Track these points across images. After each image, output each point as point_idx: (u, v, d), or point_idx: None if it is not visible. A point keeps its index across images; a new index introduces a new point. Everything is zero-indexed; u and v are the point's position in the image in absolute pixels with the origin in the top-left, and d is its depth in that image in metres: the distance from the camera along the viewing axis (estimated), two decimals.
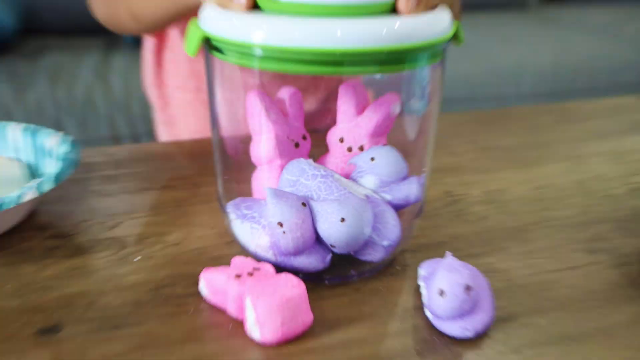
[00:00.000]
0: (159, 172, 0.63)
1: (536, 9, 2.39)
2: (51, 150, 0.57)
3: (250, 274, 0.41)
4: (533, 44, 1.88)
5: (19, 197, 0.47)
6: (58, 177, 0.50)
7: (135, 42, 1.69)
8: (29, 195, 0.47)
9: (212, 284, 0.41)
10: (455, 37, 0.43)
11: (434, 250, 0.49)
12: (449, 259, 0.40)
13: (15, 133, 0.60)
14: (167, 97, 0.89)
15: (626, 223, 0.54)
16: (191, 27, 0.42)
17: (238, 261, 0.43)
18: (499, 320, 0.41)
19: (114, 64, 1.67)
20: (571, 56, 1.81)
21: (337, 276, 0.45)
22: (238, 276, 0.40)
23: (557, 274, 0.46)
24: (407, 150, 0.47)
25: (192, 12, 0.62)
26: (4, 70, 1.60)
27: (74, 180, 0.61)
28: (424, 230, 0.52)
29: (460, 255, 0.45)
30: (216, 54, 0.42)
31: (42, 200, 0.57)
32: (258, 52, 0.39)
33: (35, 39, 1.91)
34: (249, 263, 0.42)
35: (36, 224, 0.53)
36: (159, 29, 0.78)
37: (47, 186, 0.49)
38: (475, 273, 0.41)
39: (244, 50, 0.39)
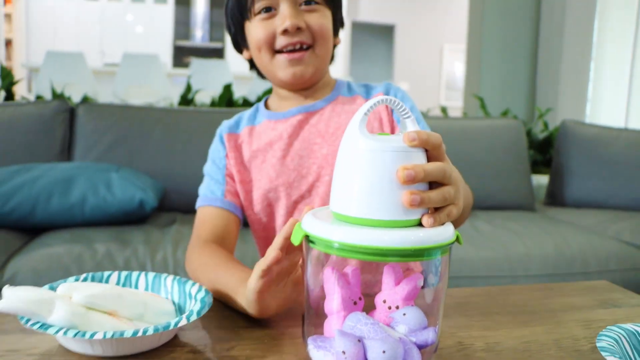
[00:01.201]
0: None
1: (541, 211, 2.49)
2: (191, 294, 0.70)
3: None
4: (539, 237, 1.95)
5: (177, 323, 0.59)
6: (199, 312, 0.62)
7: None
8: (183, 322, 0.60)
9: None
10: (457, 240, 0.56)
11: None
12: None
13: (168, 281, 0.74)
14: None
15: None
16: (296, 228, 0.56)
17: None
18: None
19: None
20: (568, 247, 1.88)
21: None
22: None
23: None
24: (427, 309, 0.58)
25: (229, 298, 0.75)
26: (143, 235, 1.79)
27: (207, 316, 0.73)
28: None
29: None
30: (311, 245, 0.55)
31: (182, 327, 0.69)
32: (336, 245, 0.52)
33: (166, 214, 2.13)
34: None
35: (179, 343, 0.65)
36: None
37: (193, 318, 0.61)
38: None
39: (327, 244, 0.53)
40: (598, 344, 0.55)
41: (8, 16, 9.00)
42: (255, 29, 0.93)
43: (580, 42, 3.81)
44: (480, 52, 4.08)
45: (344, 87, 1.02)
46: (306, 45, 0.92)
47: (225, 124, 1.04)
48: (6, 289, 0.61)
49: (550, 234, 1.97)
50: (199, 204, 1.01)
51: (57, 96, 3.30)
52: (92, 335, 0.56)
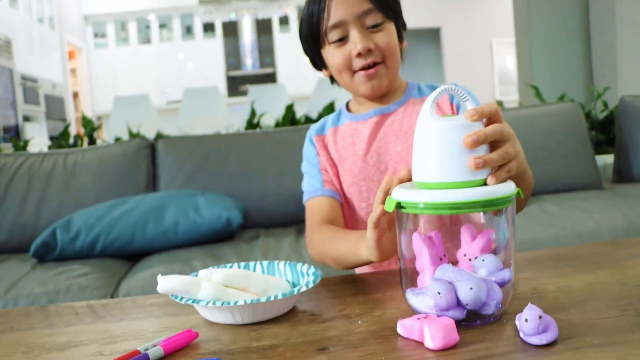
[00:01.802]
0: (363, 286, 0.89)
1: (610, 188, 2.52)
2: (303, 272, 0.85)
3: (425, 318, 0.64)
4: (608, 211, 1.98)
5: (299, 289, 0.75)
6: (314, 281, 0.77)
7: None
8: (304, 289, 0.75)
9: (404, 325, 0.65)
10: (518, 194, 0.68)
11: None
12: (529, 305, 0.62)
13: (280, 266, 0.90)
14: None
15: None
16: (388, 199, 0.70)
17: (415, 315, 0.67)
18: (562, 339, 0.61)
19: (302, 242, 2.01)
20: (639, 218, 1.92)
21: (471, 322, 0.67)
22: (418, 319, 0.64)
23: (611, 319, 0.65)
24: (501, 257, 0.70)
25: (364, 263, 0.91)
26: (233, 250, 1.96)
27: (317, 291, 0.88)
28: (517, 301, 0.73)
29: None
30: (402, 210, 0.69)
31: (301, 297, 0.84)
32: (421, 205, 0.66)
33: (250, 230, 2.31)
34: (422, 314, 0.66)
35: (299, 310, 0.79)
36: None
37: (311, 285, 0.76)
38: (544, 313, 0.62)
39: (414, 205, 0.67)
40: None
41: (73, 70, 9.66)
42: (332, 55, 1.08)
43: (633, 17, 3.80)
44: (530, 40, 4.12)
45: (415, 89, 1.18)
46: (378, 62, 1.07)
47: (313, 127, 1.22)
48: (160, 277, 0.78)
49: (620, 208, 2.01)
50: (304, 199, 1.18)
51: (134, 135, 3.60)
52: (235, 303, 0.72)
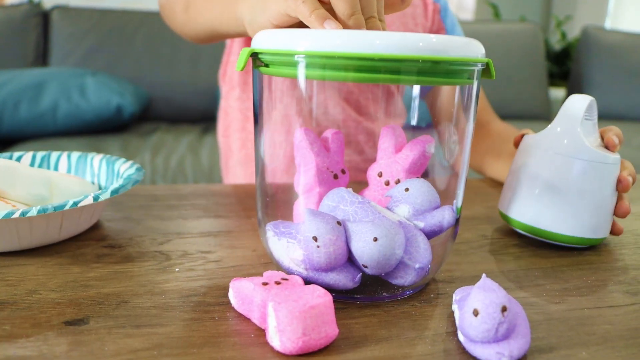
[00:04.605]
0: (215, 205, 0.56)
1: None
2: (119, 173, 0.51)
3: (278, 283, 0.32)
4: None
5: (77, 202, 0.41)
6: (115, 191, 0.43)
7: None
8: (86, 201, 0.41)
9: (240, 291, 0.33)
10: (487, 69, 0.36)
11: (469, 282, 0.39)
12: (485, 279, 0.31)
13: (95, 161, 0.55)
14: (246, 140, 0.81)
15: None
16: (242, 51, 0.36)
17: (269, 273, 0.35)
18: (537, 351, 0.30)
19: (206, 143, 1.65)
20: None
21: (369, 297, 0.36)
22: (265, 284, 0.32)
23: (595, 311, 0.36)
24: (441, 186, 0.39)
25: (231, 35, 0.56)
26: (120, 144, 1.60)
27: (139, 206, 0.55)
28: (459, 265, 0.43)
29: None
30: (262, 70, 0.35)
31: (107, 217, 0.51)
32: (300, 61, 0.32)
33: (150, 123, 1.93)
34: (279, 274, 0.34)
35: (95, 236, 0.46)
36: (201, 36, 0.66)
37: (104, 196, 0.42)
38: (511, 298, 0.31)
39: (289, 59, 0.32)
40: None
41: None
42: None
43: None
44: None
45: None
46: None
47: None
48: None
49: None
50: None
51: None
52: None
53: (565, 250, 0.47)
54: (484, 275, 0.31)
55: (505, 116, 2.14)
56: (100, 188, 0.53)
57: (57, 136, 1.68)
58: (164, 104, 2.01)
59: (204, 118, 1.99)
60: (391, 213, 0.37)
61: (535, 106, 2.22)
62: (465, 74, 0.34)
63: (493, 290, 0.29)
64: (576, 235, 0.45)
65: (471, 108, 0.36)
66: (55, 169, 0.56)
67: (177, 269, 0.40)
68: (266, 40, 0.34)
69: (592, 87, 2.35)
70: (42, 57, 2.06)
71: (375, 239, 0.33)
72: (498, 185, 0.69)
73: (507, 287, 0.39)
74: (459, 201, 0.38)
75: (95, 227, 0.48)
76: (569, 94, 2.46)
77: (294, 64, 0.33)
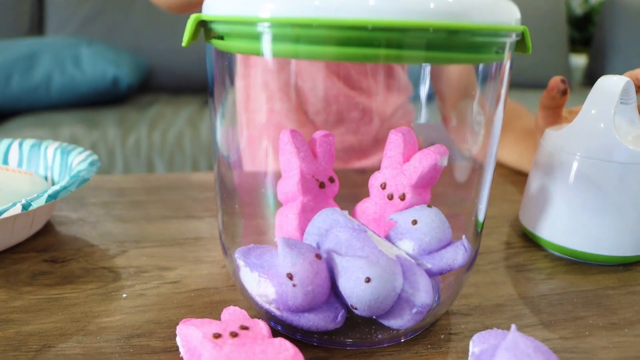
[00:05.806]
0: (189, 202, 0.48)
1: (578, 92, 2.15)
2: (72, 167, 0.43)
3: (234, 335, 0.24)
4: None
5: (4, 210, 0.32)
6: (52, 196, 0.35)
7: None
8: (12, 211, 0.33)
9: (188, 340, 0.25)
10: (522, 40, 0.27)
11: (490, 315, 0.31)
12: (514, 334, 0.22)
13: (49, 152, 0.47)
14: (249, 120, 0.73)
15: None
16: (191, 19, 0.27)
17: (228, 314, 0.26)
18: None
19: (206, 115, 1.57)
20: None
21: (362, 341, 0.28)
22: (217, 336, 0.24)
23: None
24: (457, 198, 0.30)
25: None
26: (116, 117, 1.51)
27: (101, 203, 0.47)
28: (478, 288, 0.34)
29: (523, 325, 0.27)
30: (216, 43, 0.26)
31: (60, 219, 0.43)
32: (265, 32, 0.23)
33: (149, 94, 1.84)
34: (240, 318, 0.26)
35: (37, 245, 0.38)
36: (176, 3, 0.63)
37: (37, 204, 0.34)
38: (548, 352, 0.23)
39: (249, 31, 0.24)
40: None
41: None
42: None
43: None
44: None
45: None
46: None
47: None
48: None
49: None
50: None
51: None
52: None
53: (608, 264, 0.38)
54: (513, 327, 0.23)
55: (522, 84, 2.03)
56: (53, 184, 0.45)
57: (51, 110, 1.60)
58: (165, 73, 1.92)
59: (205, 88, 1.90)
60: (390, 246, 0.28)
61: (555, 73, 2.09)
62: (493, 47, 0.25)
63: (528, 356, 0.21)
64: (619, 255, 0.36)
65: (501, 94, 0.27)
66: (5, 161, 0.48)
67: (124, 295, 0.32)
68: (219, 4, 0.25)
69: (616, 54, 2.22)
70: (37, 26, 1.98)
71: (368, 280, 0.24)
72: (518, 175, 0.59)
73: (538, 324, 0.30)
74: (480, 214, 0.30)
75: (42, 232, 0.41)
76: (591, 60, 2.33)
77: (257, 36, 0.24)
